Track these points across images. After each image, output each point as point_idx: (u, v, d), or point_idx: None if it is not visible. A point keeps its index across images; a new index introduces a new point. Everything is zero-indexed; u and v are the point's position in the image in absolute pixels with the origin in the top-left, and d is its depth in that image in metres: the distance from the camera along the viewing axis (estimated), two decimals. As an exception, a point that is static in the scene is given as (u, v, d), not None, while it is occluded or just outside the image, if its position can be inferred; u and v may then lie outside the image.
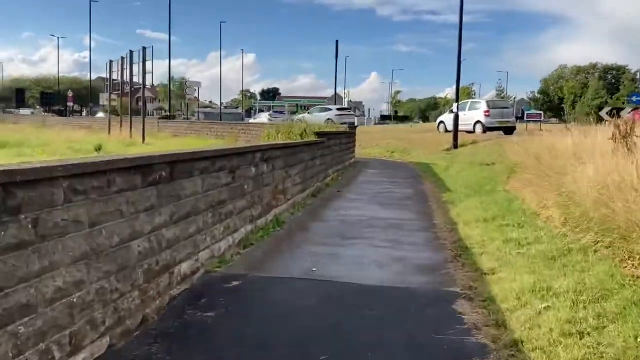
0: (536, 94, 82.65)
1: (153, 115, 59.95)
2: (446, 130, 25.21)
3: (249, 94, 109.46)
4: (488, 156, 14.15)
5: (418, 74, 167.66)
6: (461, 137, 19.15)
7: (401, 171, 15.32)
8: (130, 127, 22.35)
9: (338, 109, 27.70)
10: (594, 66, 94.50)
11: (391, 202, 9.42)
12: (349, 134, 15.70)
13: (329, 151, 11.83)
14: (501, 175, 10.78)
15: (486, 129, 22.63)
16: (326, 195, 10.03)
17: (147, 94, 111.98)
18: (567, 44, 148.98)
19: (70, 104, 60.38)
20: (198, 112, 57.97)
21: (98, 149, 15.51)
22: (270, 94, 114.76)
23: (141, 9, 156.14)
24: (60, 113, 56.99)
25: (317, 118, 22.23)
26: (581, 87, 62.42)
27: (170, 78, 58.27)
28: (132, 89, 23.01)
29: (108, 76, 25.55)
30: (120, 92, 24.99)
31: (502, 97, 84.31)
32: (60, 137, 22.08)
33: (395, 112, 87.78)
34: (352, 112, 34.54)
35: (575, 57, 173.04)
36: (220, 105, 69.94)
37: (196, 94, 55.00)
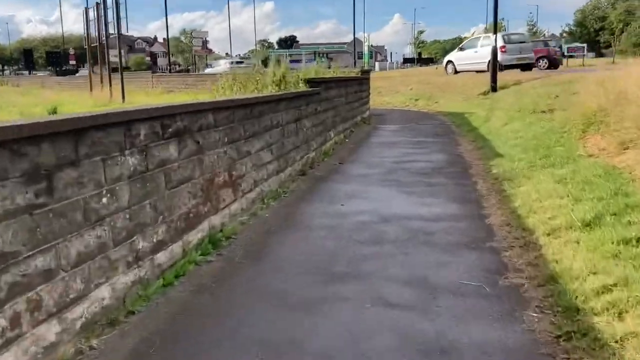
0: (572, 27, 76.03)
1: (165, 71, 57.12)
2: (455, 72, 21.87)
3: (266, 44, 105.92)
4: (541, 100, 10.75)
5: (442, 13, 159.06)
6: (501, 78, 15.58)
7: (428, 126, 12.02)
8: (110, 84, 19.39)
9: (233, 62, 23.83)
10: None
11: (415, 180, 6.29)
12: (360, 81, 12.39)
13: (329, 105, 8.66)
14: (572, 130, 7.50)
15: (503, 67, 19.21)
16: (321, 172, 6.95)
17: (158, 48, 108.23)
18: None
19: (73, 62, 57.45)
20: (207, 64, 54.57)
21: (53, 112, 12.71)
22: (288, 43, 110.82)
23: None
24: (64, 73, 54.27)
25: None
26: (625, 15, 56.50)
27: (167, 28, 54.66)
28: (107, 38, 19.82)
29: (85, 26, 22.39)
30: (97, 44, 21.86)
31: (535, 33, 78.14)
32: (34, 100, 19.34)
33: (419, 54, 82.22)
34: (250, 63, 27.81)
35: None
36: (230, 56, 66.10)
37: (201, 45, 51.36)
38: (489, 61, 19.16)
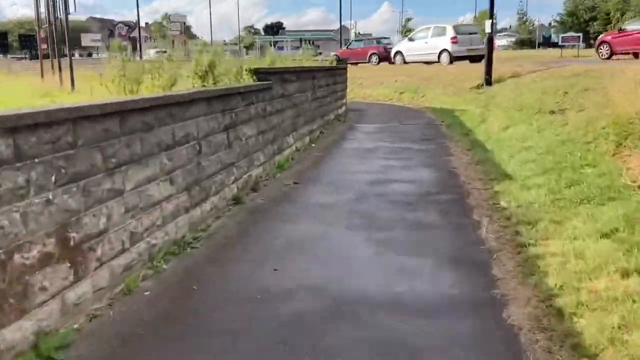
0: (563, 17, 74.53)
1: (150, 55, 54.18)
2: (404, 62, 21.08)
3: (252, 31, 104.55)
4: (547, 98, 8.94)
5: (431, 2, 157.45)
6: (497, 70, 13.77)
7: (414, 126, 10.13)
8: (60, 71, 17.14)
9: (159, 52, 21.01)
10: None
11: (394, 216, 4.41)
12: (334, 72, 10.46)
13: (287, 103, 6.76)
14: (600, 141, 5.69)
15: (454, 58, 19.14)
16: (264, 199, 5.04)
17: (142, 34, 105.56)
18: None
19: (44, 46, 54.47)
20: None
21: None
22: (275, 29, 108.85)
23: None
24: (35, 57, 51.39)
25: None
26: (622, 4, 55.29)
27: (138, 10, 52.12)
28: (67, 20, 17.50)
29: (35, 5, 19.98)
30: (47, 25, 19.47)
31: (525, 22, 76.49)
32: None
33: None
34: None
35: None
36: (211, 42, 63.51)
37: (179, 30, 48.85)
38: (440, 52, 19.40)
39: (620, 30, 18.06)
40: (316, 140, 8.30)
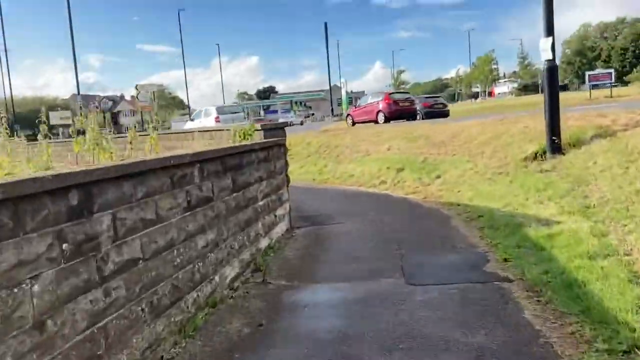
0: (571, 57, 69.81)
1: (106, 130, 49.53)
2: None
3: (246, 96, 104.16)
4: None
5: (421, 57, 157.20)
6: (568, 124, 7.84)
7: (455, 306, 3.86)
8: None
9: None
10: (622, 21, 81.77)
11: None
12: (241, 156, 4.40)
13: None
14: None
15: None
16: None
17: (126, 106, 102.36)
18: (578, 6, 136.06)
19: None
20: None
21: None
22: (267, 93, 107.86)
23: (139, 24, 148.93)
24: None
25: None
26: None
27: (77, 82, 47.76)
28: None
29: None
30: None
31: (526, 66, 71.94)
32: None
33: (400, 95, 75.52)
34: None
35: (587, 16, 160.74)
36: (190, 111, 58.92)
37: (148, 101, 44.01)
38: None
39: None
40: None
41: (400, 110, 19.09)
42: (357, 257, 4.81)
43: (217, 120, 20.77)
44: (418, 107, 20.75)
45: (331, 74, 53.68)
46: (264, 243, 4.90)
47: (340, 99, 58.33)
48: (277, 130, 5.80)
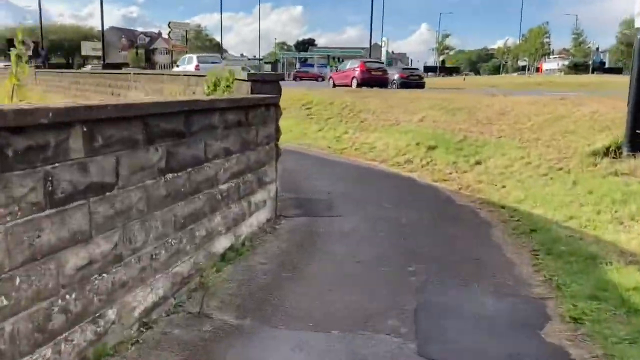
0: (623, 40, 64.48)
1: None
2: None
3: (285, 47, 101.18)
4: None
5: (469, 24, 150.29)
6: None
7: None
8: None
9: None
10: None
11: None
12: (242, 112, 2.90)
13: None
14: None
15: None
16: None
17: (162, 44, 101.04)
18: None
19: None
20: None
21: None
22: (306, 46, 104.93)
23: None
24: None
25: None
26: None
27: (102, 18, 46.32)
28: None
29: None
30: None
31: (580, 44, 67.18)
32: None
33: (442, 62, 71.83)
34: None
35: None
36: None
37: (181, 40, 42.50)
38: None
39: None
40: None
41: (371, 78, 19.77)
42: (352, 279, 3.32)
43: (197, 68, 20.43)
44: (395, 77, 21.69)
45: (373, 32, 50.87)
46: (222, 244, 3.44)
47: (380, 58, 55.76)
48: (267, 84, 4.22)
